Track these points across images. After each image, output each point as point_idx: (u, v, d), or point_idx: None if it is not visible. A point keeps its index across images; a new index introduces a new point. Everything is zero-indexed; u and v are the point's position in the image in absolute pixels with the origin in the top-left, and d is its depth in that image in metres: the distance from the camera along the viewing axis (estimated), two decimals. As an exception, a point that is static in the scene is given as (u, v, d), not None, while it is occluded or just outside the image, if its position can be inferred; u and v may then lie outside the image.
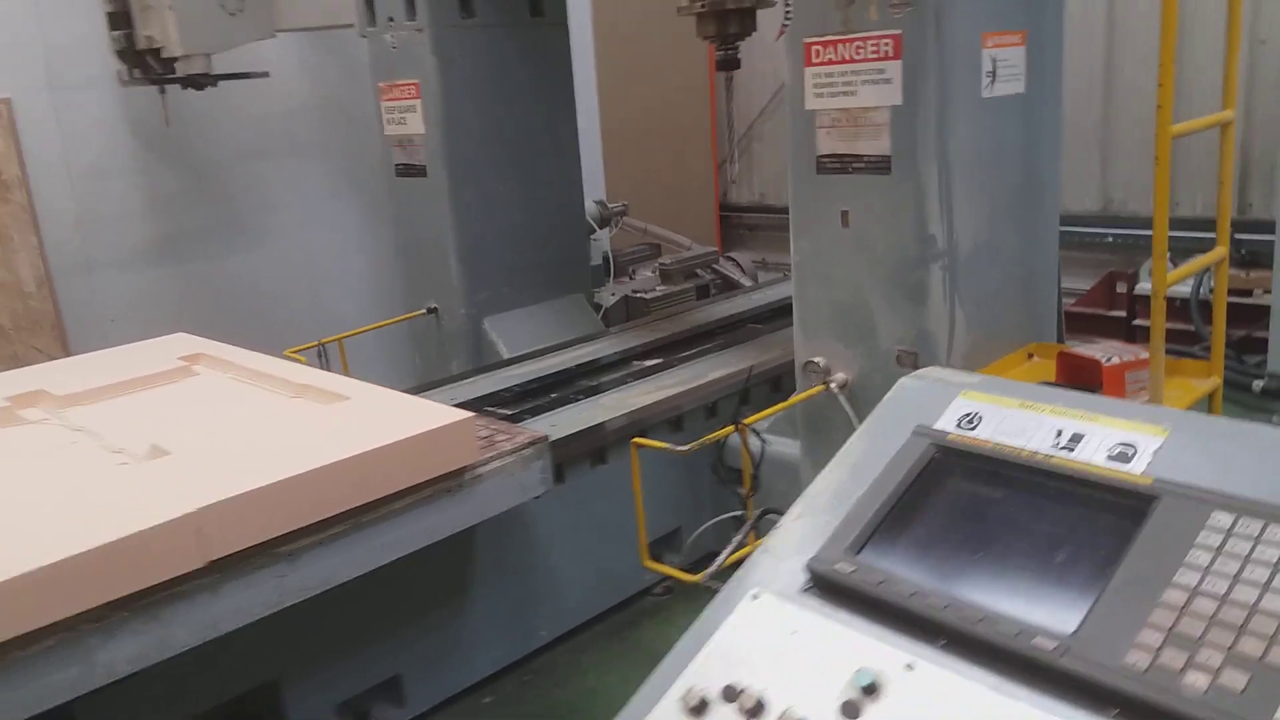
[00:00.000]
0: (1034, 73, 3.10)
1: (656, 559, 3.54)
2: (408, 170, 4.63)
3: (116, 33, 4.52)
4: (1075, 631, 1.15)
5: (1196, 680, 1.05)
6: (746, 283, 6.43)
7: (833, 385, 3.07)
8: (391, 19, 4.41)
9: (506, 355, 4.57)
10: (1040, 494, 1.34)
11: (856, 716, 1.17)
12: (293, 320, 5.36)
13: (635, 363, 4.30)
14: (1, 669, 1.89)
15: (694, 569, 3.28)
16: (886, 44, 2.84)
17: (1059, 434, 1.36)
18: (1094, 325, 5.62)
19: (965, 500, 1.38)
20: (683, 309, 5.49)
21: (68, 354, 4.89)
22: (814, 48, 2.98)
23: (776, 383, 3.99)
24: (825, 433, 3.21)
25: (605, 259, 6.12)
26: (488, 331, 4.73)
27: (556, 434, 3.22)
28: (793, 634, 1.28)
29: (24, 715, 1.96)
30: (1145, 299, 5.48)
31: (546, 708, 3.17)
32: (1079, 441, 1.34)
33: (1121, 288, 5.74)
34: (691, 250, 6.89)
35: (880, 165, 2.91)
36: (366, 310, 5.68)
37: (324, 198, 5.75)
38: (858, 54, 2.90)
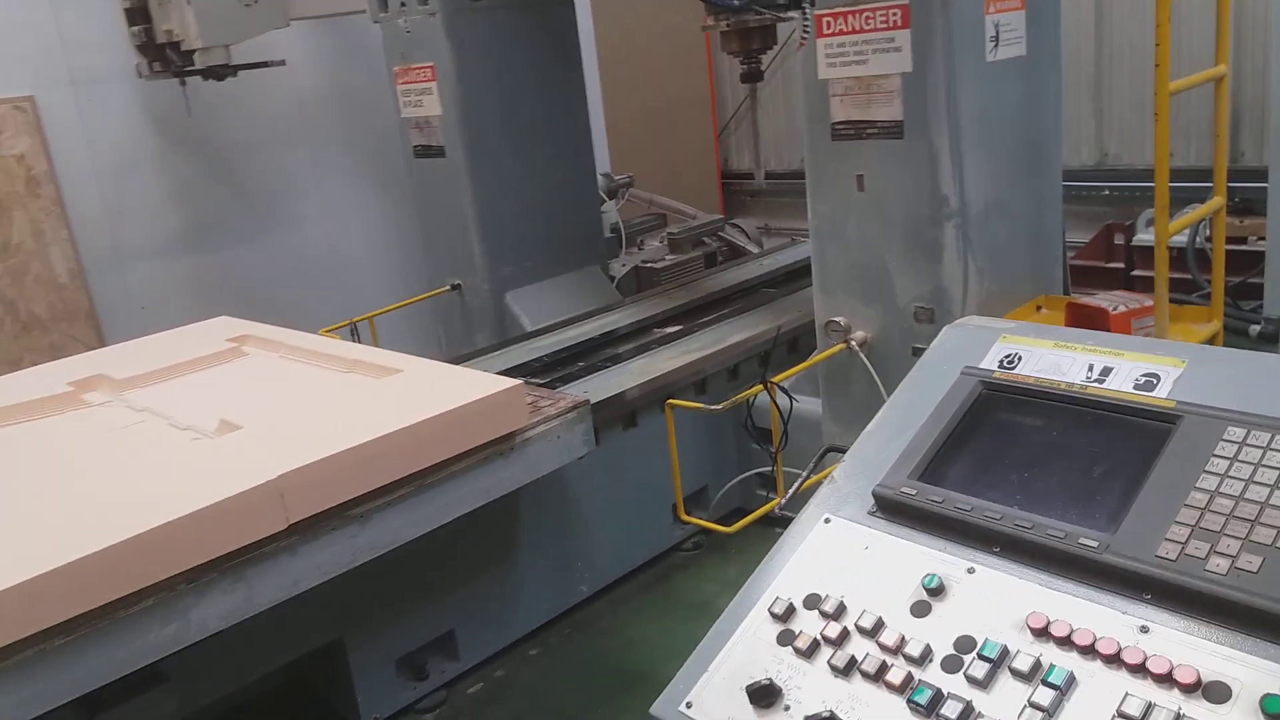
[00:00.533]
0: (1034, 36, 3.23)
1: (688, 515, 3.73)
2: (426, 151, 4.76)
3: (135, 27, 4.63)
4: (1113, 532, 1.33)
5: (1219, 564, 1.23)
6: (753, 249, 6.56)
7: (853, 343, 3.23)
8: (404, 4, 4.52)
9: (529, 328, 4.73)
10: (1077, 420, 1.52)
11: (926, 614, 1.36)
12: (318, 302, 5.51)
13: (655, 330, 4.45)
14: (109, 627, 2.06)
15: (722, 524, 3.48)
16: (895, 14, 2.97)
17: (1090, 368, 1.54)
18: (1094, 277, 5.77)
19: (1011, 429, 1.57)
20: (693, 277, 5.64)
21: (103, 342, 5.04)
22: (824, 19, 3.11)
23: (794, 343, 4.16)
24: (846, 388, 3.37)
25: (616, 230, 6.25)
26: (510, 305, 4.88)
27: (590, 400, 3.39)
28: (864, 550, 1.47)
29: (130, 669, 2.13)
30: (1143, 250, 5.64)
31: (590, 657, 3.35)
32: (1108, 374, 1.52)
33: (1119, 239, 5.89)
34: (698, 219, 7.02)
35: (893, 130, 3.05)
36: (388, 289, 5.84)
37: (342, 182, 5.88)
38: (867, 24, 3.03)
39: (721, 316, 4.44)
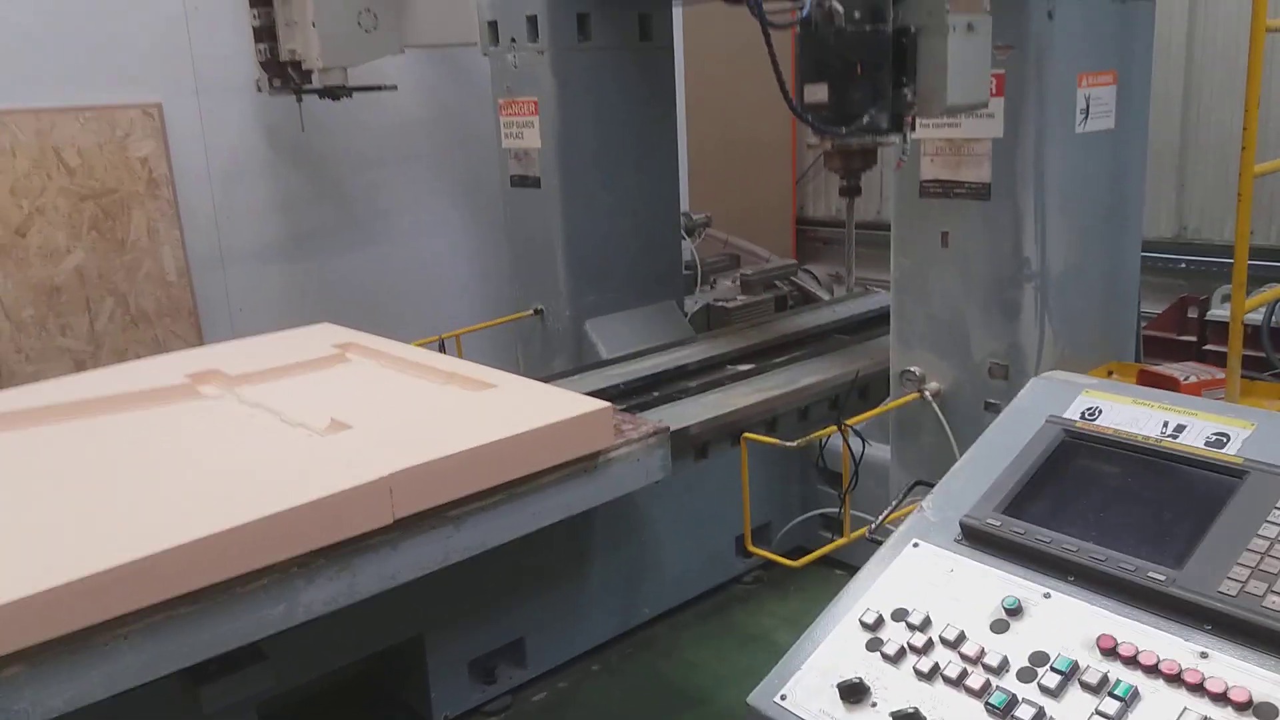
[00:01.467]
0: (1123, 109, 3.35)
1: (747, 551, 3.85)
2: (522, 181, 4.97)
3: (261, 45, 4.93)
4: (1180, 569, 1.49)
5: (1275, 601, 1.40)
6: (823, 295, 6.70)
7: (927, 393, 3.34)
8: (514, 40, 4.76)
9: (606, 355, 4.90)
10: (1150, 470, 1.68)
11: (1005, 631, 1.52)
12: (403, 315, 5.75)
13: (728, 367, 4.59)
14: (228, 601, 2.25)
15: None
16: (991, 82, 3.10)
17: (1165, 424, 1.69)
18: (1165, 348, 5.78)
19: (1089, 474, 1.73)
20: (764, 319, 5.78)
21: (201, 339, 5.32)
22: (921, 83, 3.25)
23: (864, 391, 4.27)
24: (916, 437, 3.48)
25: (691, 267, 6.42)
26: (589, 333, 5.06)
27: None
28: (949, 572, 1.62)
29: (244, 641, 2.32)
30: (1217, 325, 5.64)
31: (650, 677, 3.48)
32: (1182, 430, 1.67)
33: (1193, 313, 5.90)
34: (771, 262, 7.17)
35: (981, 191, 3.18)
36: (469, 309, 6.07)
37: (433, 203, 6.14)
38: (963, 90, 3.17)
39: (794, 358, 4.56)
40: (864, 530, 3.14)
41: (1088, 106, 3.21)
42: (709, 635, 3.70)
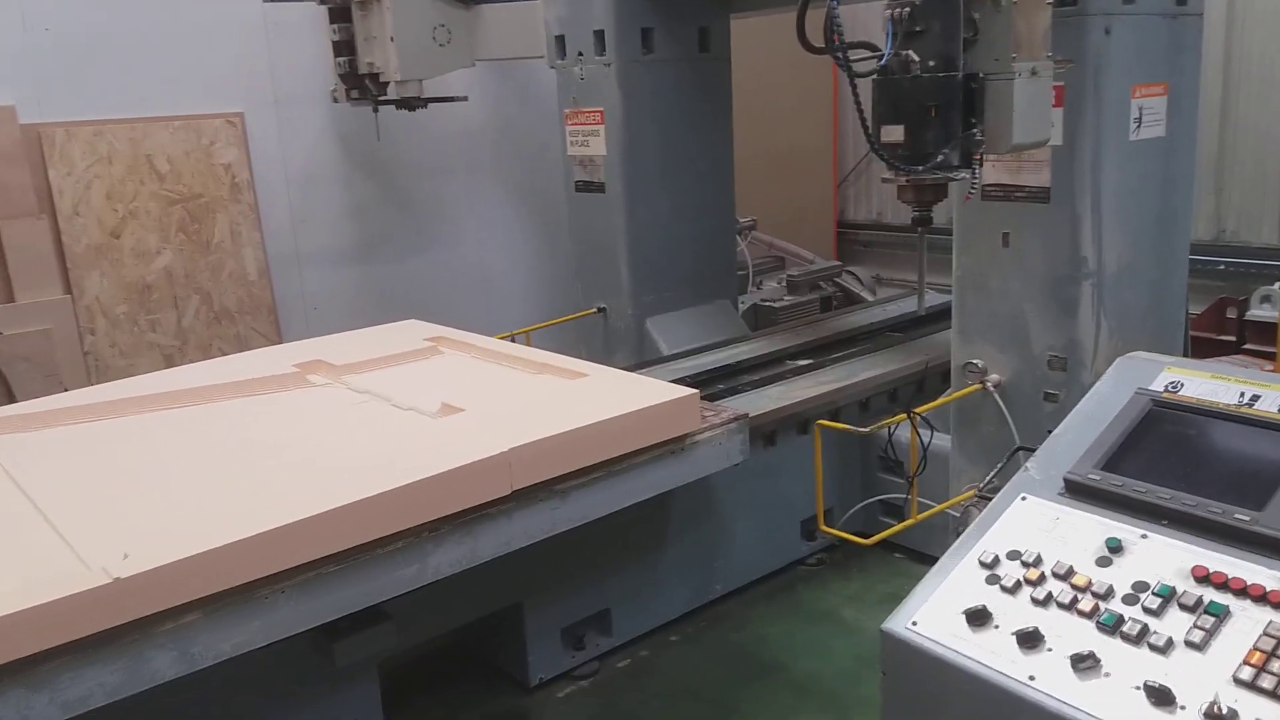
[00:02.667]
0: (1173, 118, 3.56)
1: (812, 534, 4.09)
2: (587, 186, 5.23)
3: (340, 59, 5.21)
4: (1261, 510, 1.74)
5: None
6: (867, 296, 6.92)
7: (988, 384, 3.57)
8: (581, 54, 5.02)
9: (666, 351, 5.14)
10: (1230, 432, 1.95)
11: (1108, 565, 1.79)
12: (465, 315, 6.00)
13: (788, 362, 4.82)
14: (368, 562, 2.52)
15: (844, 543, 3.82)
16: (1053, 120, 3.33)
17: (1241, 394, 1.96)
18: (1205, 348, 5.96)
19: (1175, 436, 2.00)
20: (810, 318, 6.01)
21: (280, 336, 5.61)
22: (983, 93, 3.48)
23: (920, 384, 4.49)
24: (977, 427, 3.70)
25: (742, 269, 6.66)
26: (650, 330, 5.30)
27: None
28: (1055, 520, 1.88)
29: (381, 599, 2.58)
30: (1256, 324, 5.83)
31: (725, 647, 3.71)
32: (1257, 399, 1.94)
33: (1232, 313, 6.08)
34: (815, 264, 7.40)
35: (1040, 195, 3.40)
36: (528, 308, 6.34)
37: (495, 208, 6.42)
38: (1023, 101, 3.39)
39: (850, 354, 4.79)
40: (929, 514, 3.38)
41: (1140, 116, 3.43)
42: (778, 611, 3.93)
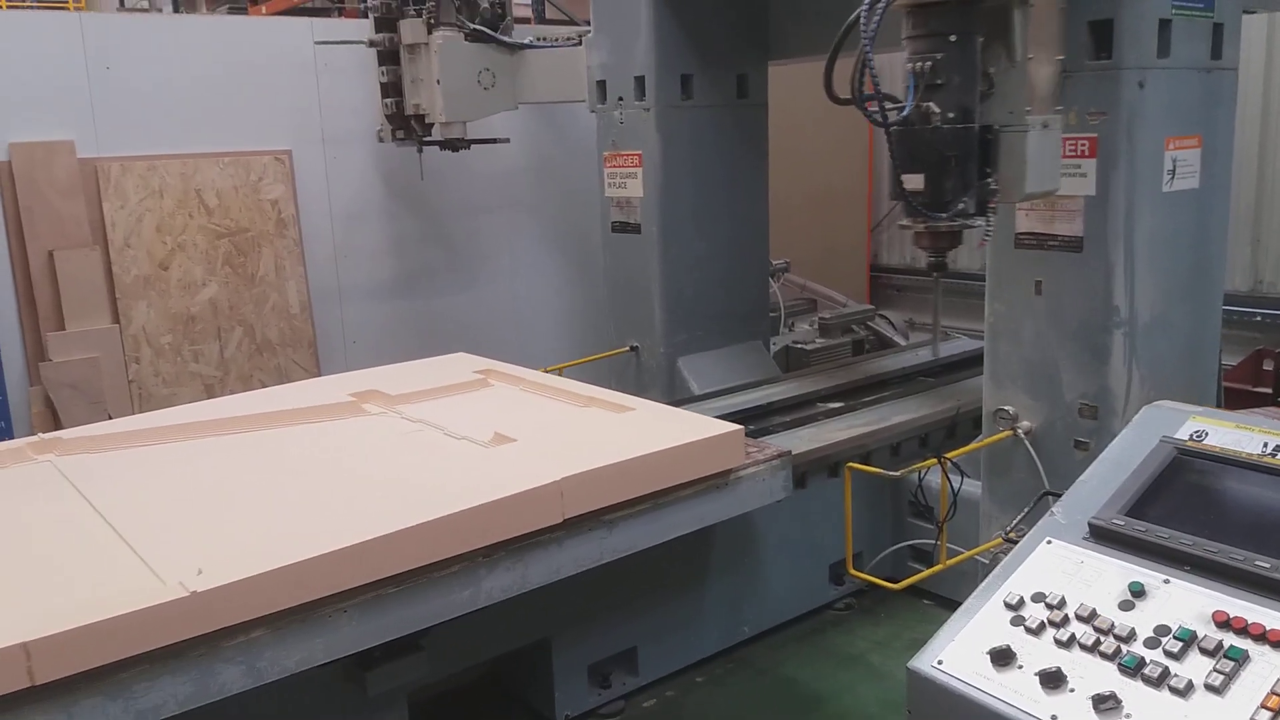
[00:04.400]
0: (1207, 170, 3.58)
1: (840, 578, 4.09)
2: (623, 227, 5.32)
3: (388, 100, 5.36)
4: None
5: None
6: (900, 340, 6.93)
7: (1019, 431, 3.58)
8: (621, 99, 5.13)
9: (697, 391, 5.19)
10: (1254, 481, 1.97)
11: (1131, 609, 1.83)
12: (500, 351, 6.08)
13: (819, 404, 4.85)
14: (425, 585, 2.60)
15: (873, 588, 3.83)
16: (1084, 144, 3.37)
17: (1265, 445, 2.00)
18: (1241, 399, 5.91)
19: (1199, 485, 2.03)
20: (842, 362, 6.04)
21: (319, 369, 5.71)
22: (1017, 143, 3.53)
23: (952, 429, 4.50)
24: (1007, 473, 3.70)
25: (775, 310, 6.70)
26: (681, 369, 5.35)
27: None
28: (1079, 564, 1.92)
29: (437, 620, 2.67)
30: (1293, 376, 5.79)
31: (751, 690, 3.71)
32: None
33: (1268, 365, 6.04)
34: (848, 307, 7.43)
35: (1073, 244, 3.43)
36: (562, 345, 6.42)
37: (532, 247, 6.54)
38: (1057, 151, 3.44)
39: (882, 398, 4.82)
40: (958, 560, 3.39)
41: (1174, 167, 3.46)
42: (806, 655, 3.93)
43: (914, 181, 2.87)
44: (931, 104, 2.77)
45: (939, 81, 2.78)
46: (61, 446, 3.36)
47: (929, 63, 2.76)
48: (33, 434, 4.87)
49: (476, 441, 3.18)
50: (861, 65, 2.68)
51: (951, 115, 2.79)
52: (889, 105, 2.79)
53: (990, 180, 2.88)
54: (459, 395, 3.81)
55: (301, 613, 2.38)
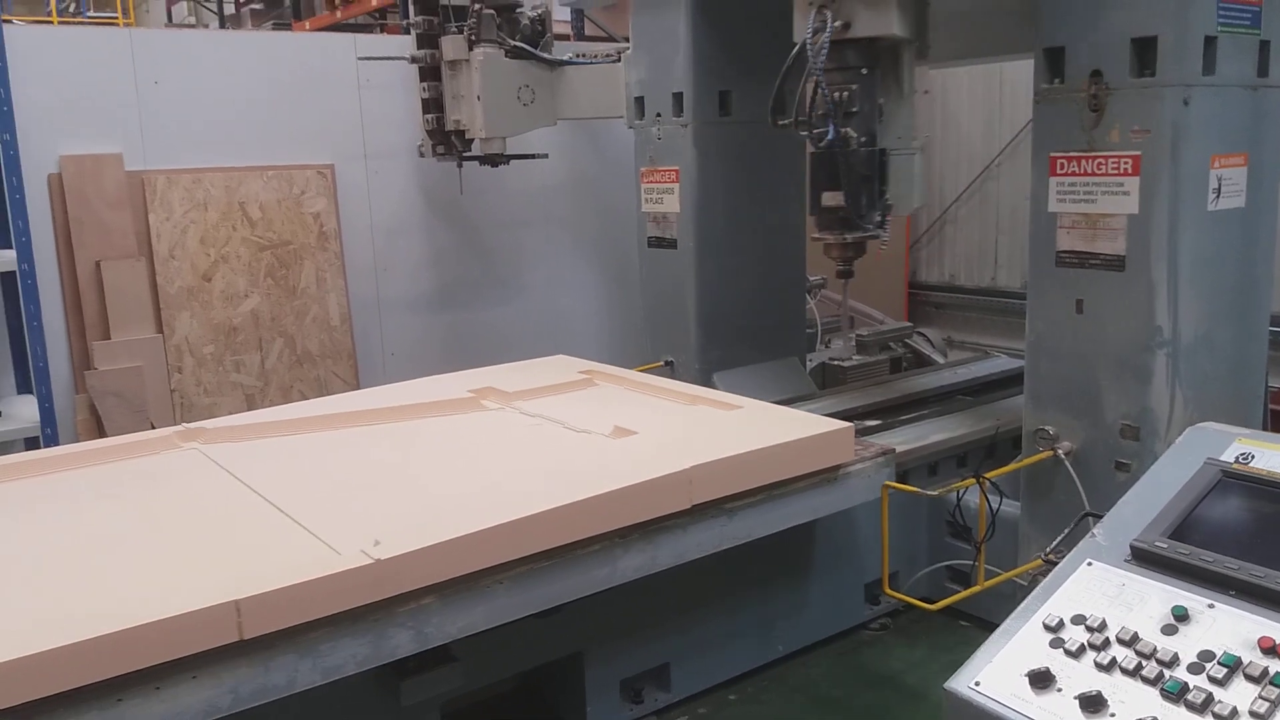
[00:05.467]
0: (1253, 189, 3.53)
1: (876, 597, 4.06)
2: (659, 242, 5.33)
3: (429, 115, 5.42)
4: None
5: None
6: (938, 358, 6.87)
7: (1059, 451, 3.53)
8: (659, 115, 5.15)
9: (733, 407, 5.17)
10: None
11: (1174, 633, 1.80)
12: (537, 365, 6.14)
13: (856, 422, 4.80)
14: (569, 561, 2.80)
15: (909, 609, 3.79)
16: (1127, 162, 3.34)
17: None
18: (1285, 422, 5.81)
19: (1245, 507, 1.99)
20: (880, 379, 5.99)
21: (358, 380, 5.77)
22: (1059, 161, 3.51)
23: (991, 449, 4.44)
24: (1047, 494, 3.66)
25: (811, 327, 6.68)
26: (716, 384, 5.33)
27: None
28: (1121, 586, 1.89)
29: (576, 595, 2.86)
30: (1342, 400, 5.66)
31: (783, 709, 3.68)
32: None
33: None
34: (885, 324, 7.38)
35: (1115, 263, 3.39)
36: (598, 359, 6.38)
37: (568, 261, 6.58)
38: (1099, 169, 3.41)
39: (919, 416, 4.77)
40: (996, 581, 3.35)
41: (1219, 186, 3.41)
42: (840, 674, 3.89)
43: (835, 198, 3.29)
44: (849, 129, 3.19)
45: (854, 109, 3.20)
46: (205, 435, 3.65)
47: (846, 92, 3.18)
48: (77, 441, 4.99)
49: (598, 434, 3.42)
50: (815, 92, 3.11)
51: (863, 140, 3.24)
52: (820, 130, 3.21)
53: (887, 196, 3.38)
54: (569, 393, 4.05)
55: (466, 582, 2.60)
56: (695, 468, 3.00)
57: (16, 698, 2.03)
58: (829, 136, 3.15)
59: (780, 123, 3.29)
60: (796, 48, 3.12)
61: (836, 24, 3.12)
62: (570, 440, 3.41)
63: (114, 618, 2.17)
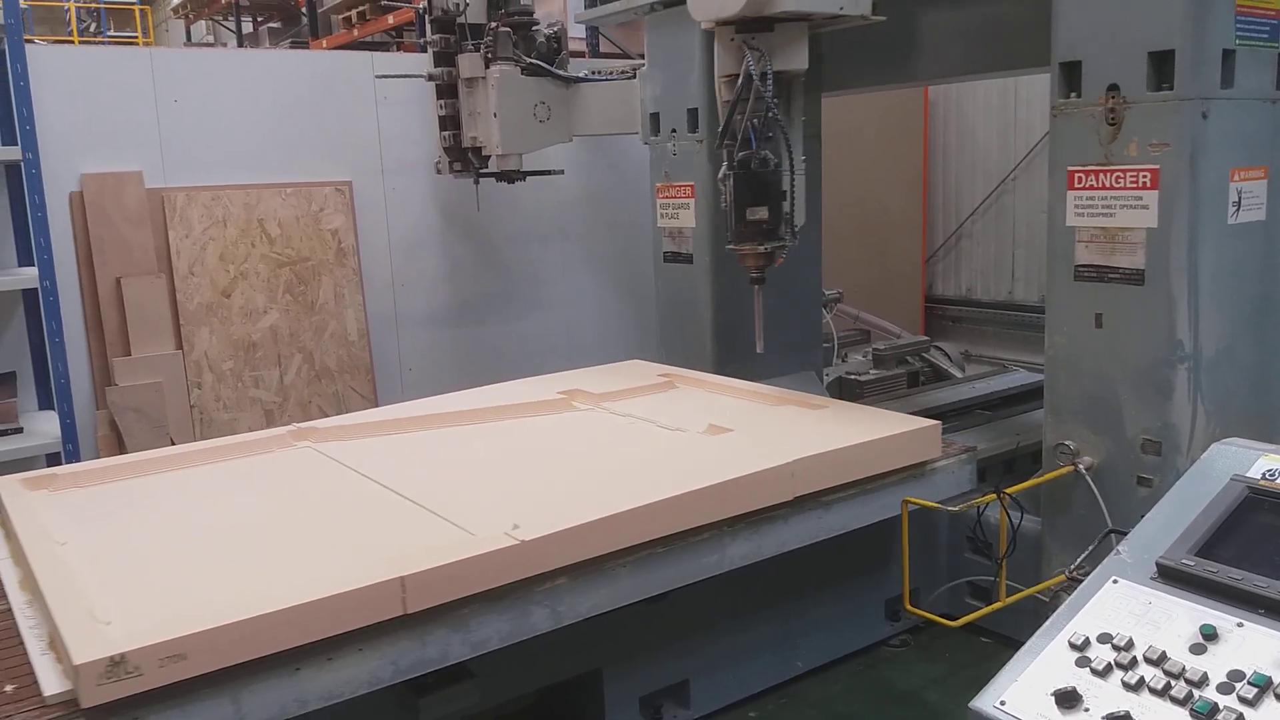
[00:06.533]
0: (1274, 202, 3.51)
1: (896, 614, 4.03)
2: (675, 257, 5.33)
3: (445, 132, 5.44)
4: None
5: None
6: (955, 372, 6.85)
7: (1080, 466, 3.51)
8: (674, 131, 5.16)
9: (750, 422, 5.16)
10: None
11: (1202, 653, 1.78)
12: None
13: (872, 437, 4.79)
14: (682, 548, 3.00)
15: (930, 625, 3.76)
16: (1145, 176, 3.33)
17: None
18: (1310, 435, 5.75)
19: (1272, 524, 1.97)
20: (897, 393, 5.97)
21: (375, 396, 5.79)
22: (1076, 174, 3.49)
23: (1010, 465, 4.42)
24: (1068, 509, 3.63)
25: (828, 341, 6.67)
26: (733, 400, 5.33)
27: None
28: (1148, 604, 1.88)
29: (687, 581, 3.04)
30: (1365, 413, 5.60)
31: (803, 727, 3.66)
32: None
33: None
34: (902, 338, 7.37)
35: (1134, 277, 3.37)
36: (614, 375, 6.42)
37: (585, 276, 6.59)
38: (1117, 182, 3.39)
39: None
40: (1018, 597, 3.33)
41: (1240, 199, 3.39)
42: (859, 691, 3.86)
43: (759, 213, 3.69)
44: (768, 151, 3.60)
45: (770, 134, 3.61)
46: (316, 435, 3.88)
47: (760, 119, 3.56)
48: (98, 456, 5.02)
49: (693, 431, 3.62)
50: (738, 119, 3.55)
51: (776, 161, 3.64)
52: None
53: (788, 212, 3.81)
54: (653, 395, 4.26)
55: (594, 565, 2.81)
56: (797, 461, 3.18)
57: (212, 665, 2.26)
58: (757, 158, 3.59)
59: (725, 145, 3.70)
60: (741, 80, 3.53)
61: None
62: (666, 438, 3.62)
63: (292, 594, 2.38)
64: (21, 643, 2.47)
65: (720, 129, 3.78)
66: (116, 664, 2.11)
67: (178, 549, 2.87)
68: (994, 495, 3.34)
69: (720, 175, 3.87)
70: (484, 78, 5.24)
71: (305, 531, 2.97)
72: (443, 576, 2.54)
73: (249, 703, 2.32)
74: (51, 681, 2.22)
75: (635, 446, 3.57)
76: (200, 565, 2.74)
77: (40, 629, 2.49)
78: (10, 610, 2.65)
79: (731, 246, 3.93)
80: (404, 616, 2.50)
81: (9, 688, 2.25)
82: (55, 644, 2.34)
